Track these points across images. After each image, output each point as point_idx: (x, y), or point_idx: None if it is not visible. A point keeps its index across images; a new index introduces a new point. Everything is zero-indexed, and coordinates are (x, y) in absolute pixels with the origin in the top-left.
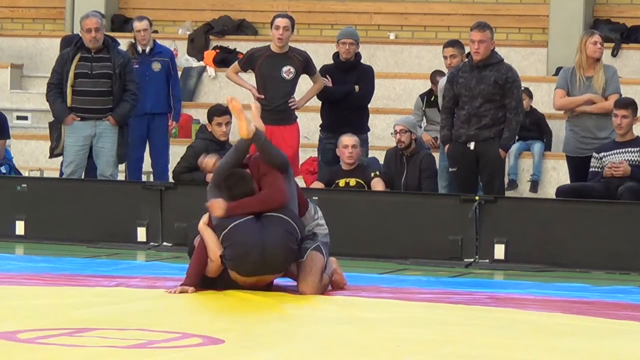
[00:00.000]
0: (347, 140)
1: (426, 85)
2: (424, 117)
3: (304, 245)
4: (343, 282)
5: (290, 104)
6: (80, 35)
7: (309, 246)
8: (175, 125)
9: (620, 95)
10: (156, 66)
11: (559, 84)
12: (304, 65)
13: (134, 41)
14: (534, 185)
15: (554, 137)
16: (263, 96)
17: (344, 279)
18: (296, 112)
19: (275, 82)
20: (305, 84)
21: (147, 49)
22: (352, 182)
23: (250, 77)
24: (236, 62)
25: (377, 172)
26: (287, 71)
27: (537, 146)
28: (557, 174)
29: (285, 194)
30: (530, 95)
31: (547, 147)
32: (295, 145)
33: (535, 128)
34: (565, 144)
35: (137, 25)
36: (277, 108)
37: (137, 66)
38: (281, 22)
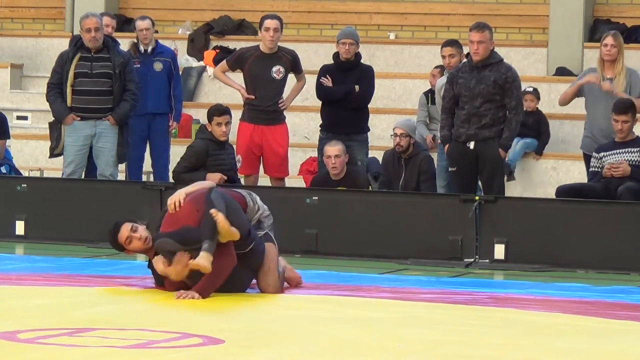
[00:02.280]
0: (330, 150)
1: (427, 84)
2: (428, 115)
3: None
4: (297, 277)
5: (280, 105)
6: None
7: (259, 235)
8: (176, 126)
9: None
10: (158, 66)
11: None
12: (293, 64)
13: (136, 41)
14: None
15: (554, 136)
16: (253, 96)
17: (296, 273)
18: (297, 112)
19: (265, 82)
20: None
21: (149, 49)
22: None
23: (238, 77)
24: (224, 61)
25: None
26: (277, 71)
27: (527, 141)
28: (557, 174)
29: (233, 256)
30: (537, 97)
31: (541, 148)
32: (286, 145)
33: (535, 127)
34: (583, 142)
35: (140, 24)
36: (268, 108)
37: (138, 66)
38: (271, 23)
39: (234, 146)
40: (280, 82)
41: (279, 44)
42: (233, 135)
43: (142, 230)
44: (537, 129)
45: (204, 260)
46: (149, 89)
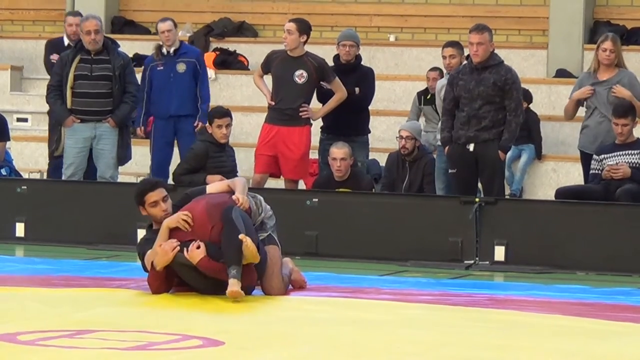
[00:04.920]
0: (336, 152)
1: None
2: (423, 116)
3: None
4: (302, 280)
5: (301, 112)
6: (65, 37)
7: (262, 238)
8: (202, 126)
9: None
10: (181, 67)
11: (570, 94)
12: (319, 71)
13: (161, 43)
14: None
15: (554, 138)
16: (273, 103)
17: (302, 276)
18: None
19: (287, 85)
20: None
21: (172, 50)
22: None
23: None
24: (259, 66)
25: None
26: (300, 75)
27: (525, 156)
28: (557, 176)
29: (254, 278)
30: (527, 100)
31: (539, 150)
32: (302, 147)
33: (525, 127)
34: (581, 140)
35: (161, 26)
36: (286, 111)
37: (161, 68)
38: (285, 25)
39: (234, 148)
40: (303, 86)
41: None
42: (233, 137)
43: (169, 205)
44: (527, 127)
45: (236, 289)
46: (172, 90)
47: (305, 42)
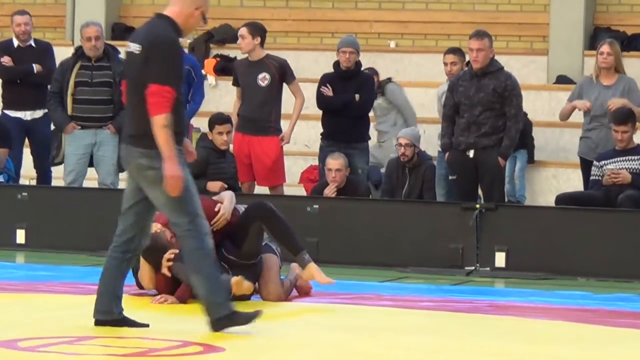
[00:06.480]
0: (332, 163)
1: (427, 93)
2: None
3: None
4: (308, 287)
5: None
6: (14, 38)
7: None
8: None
9: None
10: None
11: (570, 96)
12: (280, 71)
13: None
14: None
15: (554, 145)
16: (237, 113)
17: (308, 283)
18: (297, 121)
19: (252, 90)
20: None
21: None
22: None
23: None
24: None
25: None
26: (262, 78)
27: (520, 162)
28: (558, 182)
29: None
30: None
31: (531, 155)
32: (273, 154)
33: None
34: (581, 147)
35: None
36: (251, 117)
37: None
38: (239, 31)
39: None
40: (267, 89)
41: (275, 52)
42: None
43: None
44: (521, 133)
45: (320, 275)
46: None
47: (261, 44)
